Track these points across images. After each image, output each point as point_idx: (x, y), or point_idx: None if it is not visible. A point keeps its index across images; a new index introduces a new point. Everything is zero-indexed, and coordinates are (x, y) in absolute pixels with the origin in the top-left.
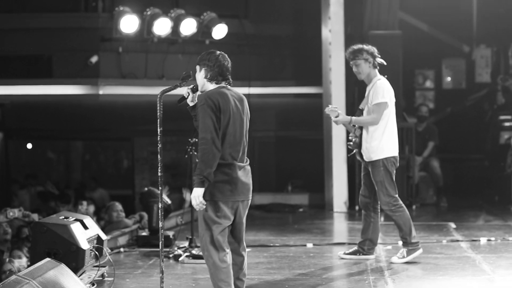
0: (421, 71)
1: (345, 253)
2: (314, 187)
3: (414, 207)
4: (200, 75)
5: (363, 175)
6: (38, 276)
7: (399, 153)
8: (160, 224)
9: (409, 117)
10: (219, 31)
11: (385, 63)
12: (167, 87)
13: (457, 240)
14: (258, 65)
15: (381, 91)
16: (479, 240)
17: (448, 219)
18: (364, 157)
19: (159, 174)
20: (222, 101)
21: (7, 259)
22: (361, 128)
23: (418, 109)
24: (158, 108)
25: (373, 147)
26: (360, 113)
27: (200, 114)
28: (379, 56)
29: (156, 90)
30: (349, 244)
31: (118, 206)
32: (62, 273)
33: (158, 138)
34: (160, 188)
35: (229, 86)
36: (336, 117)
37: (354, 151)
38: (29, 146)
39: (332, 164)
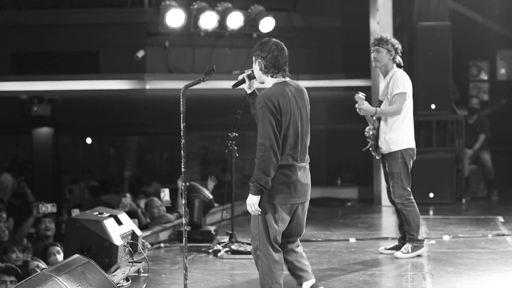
0: (475, 63)
1: (385, 248)
2: (363, 180)
3: (464, 200)
4: (255, 68)
5: (385, 172)
6: (64, 273)
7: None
8: (184, 221)
9: (461, 110)
10: (267, 24)
11: (402, 64)
12: (190, 82)
13: (503, 235)
14: (306, 58)
15: (402, 81)
16: None
17: (498, 212)
18: (383, 149)
19: (182, 169)
20: (283, 101)
21: (30, 257)
22: (379, 120)
23: (469, 101)
24: (181, 103)
25: (392, 138)
26: (379, 104)
27: (259, 117)
28: (401, 55)
29: (204, 85)
30: (392, 239)
31: (157, 201)
32: (89, 269)
33: (182, 134)
34: (183, 184)
35: (287, 79)
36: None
37: (370, 144)
38: (89, 140)
39: None
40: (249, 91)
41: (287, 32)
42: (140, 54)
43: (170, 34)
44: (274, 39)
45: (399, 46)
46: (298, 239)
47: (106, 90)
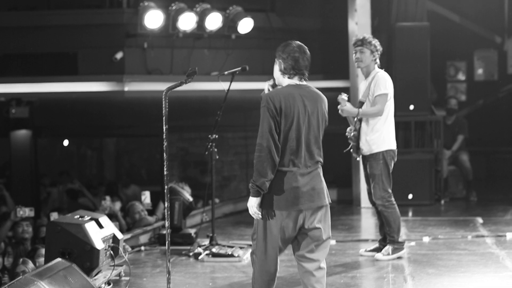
0: (453, 63)
1: (366, 250)
2: (342, 182)
3: (442, 201)
4: (276, 69)
5: (366, 173)
6: (46, 277)
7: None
8: (167, 224)
9: (439, 110)
10: (245, 25)
11: (379, 65)
12: (173, 84)
13: (483, 236)
14: None
15: (383, 82)
16: (505, 236)
17: (476, 213)
18: (364, 150)
19: (165, 172)
20: (286, 103)
21: (21, 260)
22: (360, 121)
23: (447, 102)
24: (163, 105)
25: (373, 139)
26: (361, 105)
27: (261, 117)
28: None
29: (183, 86)
30: (373, 240)
31: (139, 206)
32: (71, 273)
33: (164, 136)
34: (166, 186)
35: (303, 82)
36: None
37: (351, 145)
38: (66, 143)
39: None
40: None
41: (265, 32)
42: (119, 55)
43: (149, 35)
44: (298, 42)
45: (380, 47)
46: (321, 261)
47: (85, 92)
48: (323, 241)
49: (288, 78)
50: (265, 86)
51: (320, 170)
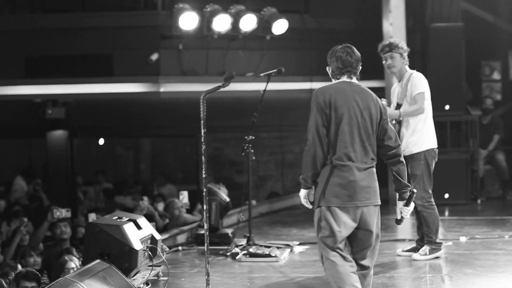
0: (488, 62)
1: (403, 250)
2: (379, 182)
3: (479, 201)
4: (330, 75)
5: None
6: (86, 278)
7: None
8: (205, 226)
9: (474, 110)
10: (280, 26)
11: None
12: (210, 88)
13: None
14: (319, 60)
15: (419, 82)
16: None
17: None
18: (404, 152)
19: (204, 175)
20: (337, 96)
21: (66, 257)
22: (399, 123)
23: (483, 102)
24: (201, 109)
25: (414, 140)
26: (398, 108)
27: (310, 111)
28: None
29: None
30: (409, 240)
31: (178, 203)
32: (111, 274)
33: (202, 140)
34: (204, 189)
35: (353, 80)
36: None
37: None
38: (101, 141)
39: None
40: None
41: (300, 34)
42: (154, 57)
43: (184, 36)
44: (345, 44)
45: (407, 47)
46: (371, 268)
47: (120, 93)
48: (374, 247)
49: (337, 79)
50: None
51: (374, 169)
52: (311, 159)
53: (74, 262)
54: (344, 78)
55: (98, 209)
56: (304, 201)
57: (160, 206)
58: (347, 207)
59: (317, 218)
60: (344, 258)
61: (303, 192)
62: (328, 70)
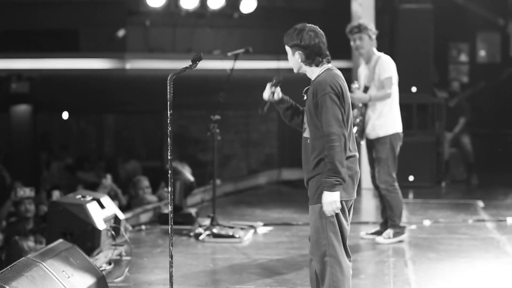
0: (455, 44)
1: (367, 233)
2: None
3: (443, 184)
4: (294, 59)
5: (370, 157)
6: (48, 258)
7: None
8: (170, 208)
9: (441, 92)
10: (248, 4)
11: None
12: (177, 70)
13: (483, 220)
14: None
15: (387, 66)
16: (506, 220)
17: (477, 197)
18: (370, 135)
19: (169, 157)
20: (343, 85)
21: (17, 238)
22: (366, 106)
23: (450, 85)
24: (168, 90)
25: (381, 124)
26: (365, 90)
27: (323, 105)
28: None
29: (184, 64)
30: (373, 223)
31: (145, 182)
32: (73, 254)
33: (168, 121)
34: (170, 171)
35: (331, 65)
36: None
37: (356, 129)
38: (65, 115)
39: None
40: (277, 99)
41: (268, 12)
42: (121, 33)
43: (151, 13)
44: (308, 25)
45: (375, 30)
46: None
47: (86, 69)
48: None
49: (316, 66)
50: (266, 92)
51: None
52: (345, 154)
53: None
54: (325, 64)
55: (60, 185)
56: (338, 206)
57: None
58: (350, 200)
59: (324, 219)
60: (349, 259)
61: (338, 195)
62: (299, 54)
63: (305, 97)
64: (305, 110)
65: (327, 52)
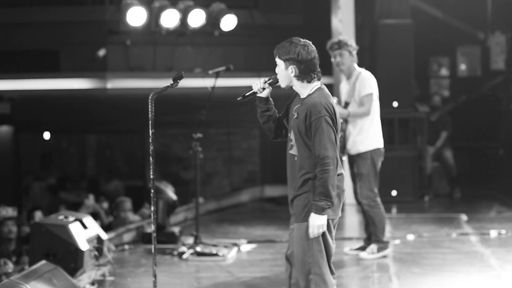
0: (436, 59)
1: (351, 249)
2: None
3: (426, 198)
4: (286, 73)
5: (352, 172)
6: (32, 279)
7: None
8: (153, 228)
9: (422, 106)
10: (228, 22)
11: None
12: (159, 88)
13: (467, 234)
14: (268, 55)
15: (368, 82)
16: (489, 234)
17: (460, 210)
18: (351, 151)
19: (151, 176)
20: (335, 108)
21: (2, 261)
22: (346, 122)
23: (431, 99)
24: (150, 109)
25: (361, 139)
26: (346, 106)
27: (320, 127)
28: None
29: (165, 83)
30: (357, 239)
31: (128, 205)
32: (56, 275)
33: (150, 140)
34: (152, 189)
35: (321, 83)
36: None
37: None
38: (47, 136)
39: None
40: (264, 96)
41: (248, 29)
42: (102, 52)
43: (131, 32)
44: (301, 40)
45: (355, 45)
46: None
47: (67, 89)
48: None
49: (308, 82)
50: (258, 85)
51: None
52: (336, 177)
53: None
54: (316, 81)
55: (42, 206)
56: (324, 229)
57: (104, 205)
58: (335, 218)
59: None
60: (333, 276)
61: (325, 218)
62: (293, 69)
63: (296, 116)
64: (292, 128)
65: (319, 69)
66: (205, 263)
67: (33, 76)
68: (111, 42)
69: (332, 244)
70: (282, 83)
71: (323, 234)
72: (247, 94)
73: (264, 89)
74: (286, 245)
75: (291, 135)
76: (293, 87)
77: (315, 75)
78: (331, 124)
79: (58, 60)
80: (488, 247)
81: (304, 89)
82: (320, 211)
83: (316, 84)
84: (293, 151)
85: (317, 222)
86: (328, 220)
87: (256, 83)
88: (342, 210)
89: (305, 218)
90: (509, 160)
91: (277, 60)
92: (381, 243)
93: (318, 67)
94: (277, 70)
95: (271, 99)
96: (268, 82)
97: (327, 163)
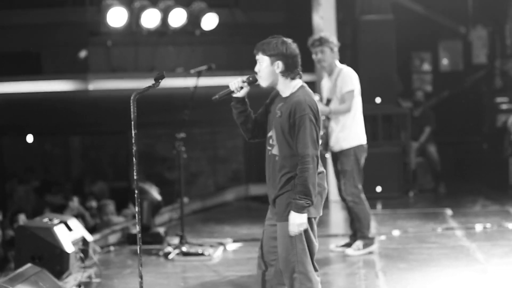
0: (418, 54)
1: (336, 246)
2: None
3: (411, 193)
4: (271, 69)
5: (336, 169)
6: (18, 283)
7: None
8: (138, 229)
9: (405, 102)
10: (209, 21)
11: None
12: (141, 89)
13: (452, 228)
14: (250, 54)
15: (349, 79)
16: (474, 228)
17: (445, 205)
18: (334, 147)
19: (135, 177)
20: (318, 106)
21: None
22: (328, 119)
23: (414, 94)
24: (132, 110)
25: (344, 136)
26: (327, 103)
27: (303, 125)
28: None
29: (147, 83)
30: (343, 235)
31: (110, 208)
32: (43, 278)
33: (133, 141)
34: (136, 190)
35: (302, 81)
36: None
37: (320, 142)
38: (30, 139)
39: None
40: (241, 96)
41: (230, 28)
42: (83, 54)
43: (112, 33)
44: (283, 37)
45: (337, 42)
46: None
47: (49, 92)
48: None
49: (292, 79)
50: (236, 84)
51: None
52: (316, 176)
53: None
54: (298, 79)
55: (26, 209)
56: (304, 228)
57: (93, 203)
58: (317, 216)
59: (295, 236)
60: (316, 273)
61: (306, 217)
62: (278, 64)
63: (279, 114)
64: (274, 127)
65: (300, 68)
66: (192, 263)
67: (15, 79)
68: (92, 43)
69: (315, 242)
70: (265, 81)
71: (306, 232)
72: (222, 93)
73: (241, 88)
74: None
75: (273, 135)
76: (276, 86)
77: (298, 73)
78: (314, 122)
79: (39, 62)
80: (473, 241)
81: (287, 87)
82: (300, 209)
83: (298, 82)
84: (274, 151)
85: (297, 221)
86: (311, 218)
87: (233, 82)
88: (327, 207)
89: (286, 217)
90: (492, 154)
91: (260, 57)
92: (366, 239)
93: (300, 66)
94: (257, 68)
95: (247, 100)
96: (247, 81)
97: (307, 161)
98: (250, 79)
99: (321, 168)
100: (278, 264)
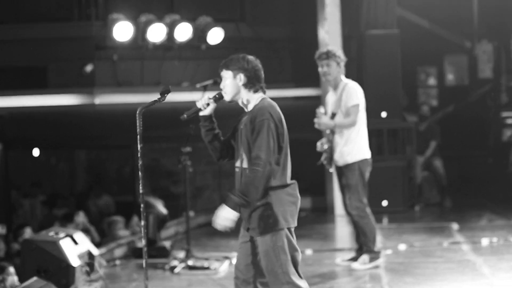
0: (423, 68)
1: (342, 260)
2: (316, 190)
3: (417, 208)
4: (234, 82)
5: (341, 184)
6: None
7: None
8: (143, 242)
9: (411, 116)
10: (215, 35)
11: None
12: (146, 103)
13: (458, 242)
14: None
15: (354, 93)
16: (481, 242)
17: (451, 219)
18: (339, 162)
19: (141, 191)
20: (281, 114)
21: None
22: (333, 133)
23: (419, 109)
24: (138, 124)
25: (348, 150)
26: (332, 117)
27: (261, 130)
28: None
29: (153, 97)
30: (349, 249)
31: (120, 224)
32: None
33: (139, 155)
34: (142, 204)
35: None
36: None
37: (324, 157)
38: (36, 152)
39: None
40: (207, 114)
41: (236, 42)
42: (89, 68)
43: (118, 47)
44: (246, 54)
45: (344, 57)
46: None
47: (55, 106)
48: None
49: (255, 92)
50: (203, 101)
51: None
52: (264, 181)
53: (12, 277)
54: (261, 93)
55: (32, 223)
56: (230, 223)
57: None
58: (294, 226)
59: (277, 242)
60: (303, 280)
61: (235, 214)
62: (241, 77)
63: (243, 125)
64: (241, 140)
65: (264, 84)
66: (197, 277)
67: (21, 93)
68: (98, 57)
69: (298, 250)
70: (229, 95)
71: (288, 243)
72: (190, 112)
73: (208, 105)
74: None
75: (241, 150)
76: (240, 100)
77: (261, 87)
78: (273, 129)
79: (45, 76)
80: (480, 256)
81: (250, 101)
82: (232, 205)
83: (261, 95)
84: (244, 164)
85: (226, 215)
86: (289, 228)
87: (200, 100)
88: (333, 221)
89: (266, 230)
90: (498, 168)
91: (224, 72)
92: (372, 253)
93: (263, 80)
94: (222, 85)
95: (214, 118)
96: (213, 98)
97: (257, 164)
98: (216, 96)
99: (293, 180)
100: (256, 281)
